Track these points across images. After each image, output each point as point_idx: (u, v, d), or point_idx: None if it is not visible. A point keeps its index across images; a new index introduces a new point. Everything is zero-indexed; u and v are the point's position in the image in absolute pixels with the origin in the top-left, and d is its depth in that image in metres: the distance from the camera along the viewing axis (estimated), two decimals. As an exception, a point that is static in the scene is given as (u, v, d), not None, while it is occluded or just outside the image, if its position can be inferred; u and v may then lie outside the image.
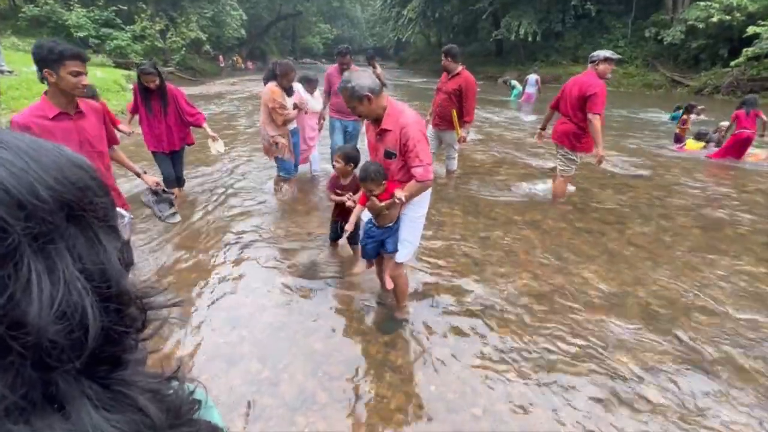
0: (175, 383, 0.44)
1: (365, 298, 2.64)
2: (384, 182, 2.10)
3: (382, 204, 2.09)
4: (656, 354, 2.17)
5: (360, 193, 2.29)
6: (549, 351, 2.18)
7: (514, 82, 14.64)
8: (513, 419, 1.77)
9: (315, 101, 4.56)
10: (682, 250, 3.37)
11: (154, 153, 3.89)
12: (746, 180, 5.49)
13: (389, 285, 2.29)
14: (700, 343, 2.25)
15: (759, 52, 14.41)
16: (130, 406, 0.35)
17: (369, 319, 2.44)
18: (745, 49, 14.44)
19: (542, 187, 4.83)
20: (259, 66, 30.03)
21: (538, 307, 2.56)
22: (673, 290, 2.76)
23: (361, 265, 2.72)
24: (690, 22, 16.01)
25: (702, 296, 2.69)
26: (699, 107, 7.46)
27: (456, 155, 4.97)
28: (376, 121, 2.09)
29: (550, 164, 5.96)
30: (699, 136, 6.90)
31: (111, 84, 10.18)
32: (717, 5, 15.04)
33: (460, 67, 4.37)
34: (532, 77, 12.86)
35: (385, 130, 2.04)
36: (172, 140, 3.85)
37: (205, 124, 3.89)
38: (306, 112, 4.29)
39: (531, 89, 12.61)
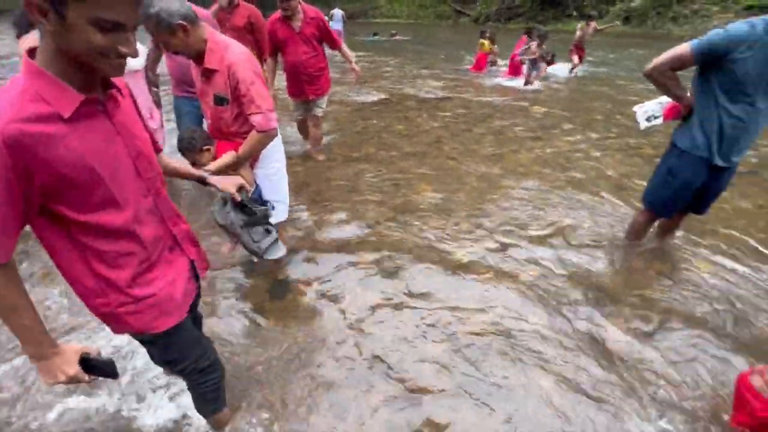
0: None
1: (234, 270, 2.39)
2: (207, 148, 1.81)
3: (216, 165, 1.76)
4: (482, 243, 2.69)
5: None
6: (405, 268, 2.45)
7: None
8: (393, 346, 1.97)
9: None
10: (483, 154, 4.14)
11: None
12: (510, 93, 6.97)
13: (226, 250, 2.08)
14: (498, 218, 2.90)
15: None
16: None
17: (247, 291, 2.25)
18: (502, -19, 17.39)
19: (375, 122, 5.08)
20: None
21: (388, 232, 2.80)
22: (481, 187, 3.41)
23: (226, 245, 2.37)
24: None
25: (501, 184, 3.43)
26: (487, 32, 8.82)
27: None
28: (199, 58, 1.69)
29: (368, 99, 6.32)
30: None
31: None
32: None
33: None
34: (338, 12, 12.14)
35: (211, 70, 1.67)
36: None
37: None
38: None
39: (337, 26, 11.44)
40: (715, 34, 1.87)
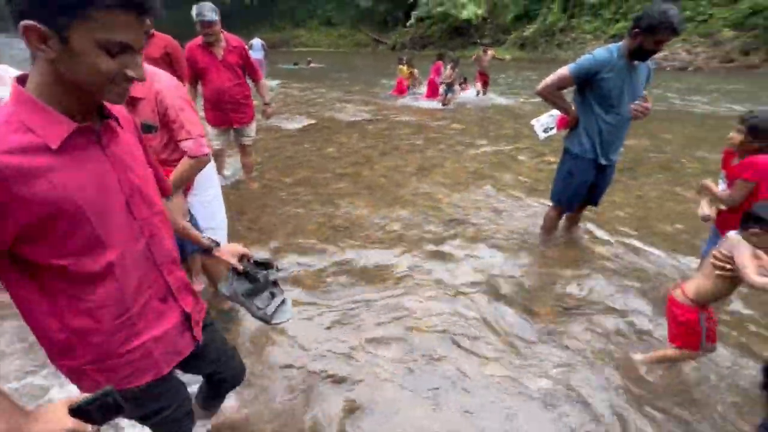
0: None
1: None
2: None
3: None
4: (416, 248, 2.85)
5: None
6: (346, 284, 2.51)
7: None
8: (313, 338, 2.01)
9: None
10: (410, 170, 4.40)
11: None
12: (429, 113, 7.52)
13: (197, 286, 1.99)
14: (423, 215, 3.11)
15: (423, 15, 19.07)
16: None
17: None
18: (413, 12, 18.80)
19: (306, 147, 5.12)
20: None
21: (327, 249, 2.84)
22: (412, 199, 3.62)
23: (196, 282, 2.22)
24: (372, -12, 19.40)
25: (429, 194, 3.67)
26: (405, 58, 9.46)
27: None
28: None
29: (296, 125, 6.39)
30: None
31: None
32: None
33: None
34: (257, 42, 12.08)
35: (136, 98, 1.62)
36: None
37: None
38: None
39: (257, 55, 10.54)
40: (585, 59, 2.29)
